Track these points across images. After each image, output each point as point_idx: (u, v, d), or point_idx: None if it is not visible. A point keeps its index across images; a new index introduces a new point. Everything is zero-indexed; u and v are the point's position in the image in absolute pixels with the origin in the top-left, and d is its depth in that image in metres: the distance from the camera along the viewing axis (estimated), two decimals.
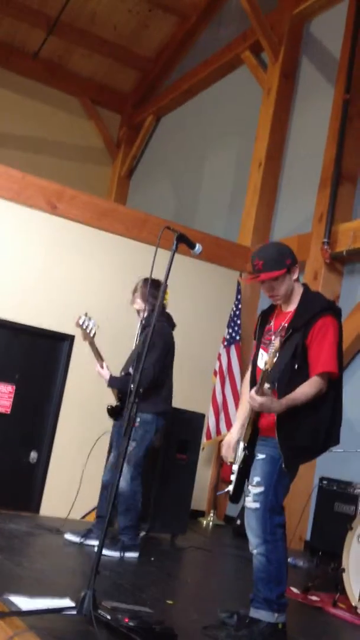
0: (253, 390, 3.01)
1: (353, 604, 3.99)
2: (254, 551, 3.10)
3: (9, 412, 6.24)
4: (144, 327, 4.90)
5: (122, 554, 4.59)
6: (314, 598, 4.23)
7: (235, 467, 3.25)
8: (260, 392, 2.98)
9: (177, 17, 10.46)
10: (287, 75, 8.09)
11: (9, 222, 6.37)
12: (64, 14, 9.92)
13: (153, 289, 4.66)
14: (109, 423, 5.94)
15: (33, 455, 6.32)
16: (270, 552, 3.06)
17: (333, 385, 3.15)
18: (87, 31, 10.70)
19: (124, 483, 4.65)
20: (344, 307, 6.47)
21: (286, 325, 3.20)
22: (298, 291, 3.28)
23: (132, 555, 4.64)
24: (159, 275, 3.42)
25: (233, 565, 5.19)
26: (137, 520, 4.74)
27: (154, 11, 10.31)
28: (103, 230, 6.78)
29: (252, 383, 3.29)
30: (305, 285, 3.34)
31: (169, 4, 10.17)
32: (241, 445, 3.22)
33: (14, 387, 6.28)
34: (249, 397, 3.04)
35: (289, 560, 5.19)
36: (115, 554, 4.57)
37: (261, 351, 3.31)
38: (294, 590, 4.29)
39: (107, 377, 4.81)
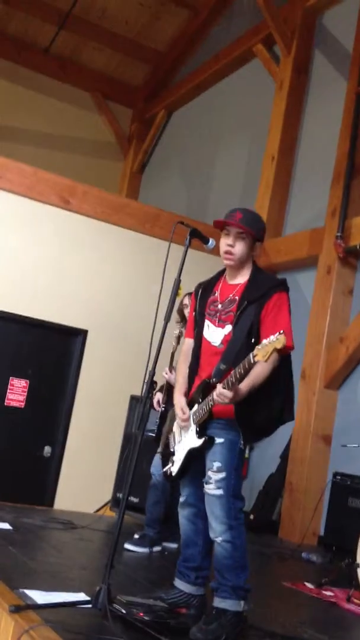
0: (220, 387, 2.90)
1: None
2: (219, 539, 3.04)
3: (22, 407, 6.28)
4: None
5: (151, 550, 4.60)
6: (328, 593, 4.22)
7: (178, 447, 3.19)
8: (228, 387, 2.86)
9: (189, 10, 10.42)
10: (300, 69, 8.04)
11: (21, 217, 6.39)
12: (75, 8, 9.92)
13: None
14: (121, 418, 5.96)
15: (47, 449, 6.35)
16: (235, 537, 3.02)
17: (285, 362, 3.05)
18: (98, 25, 10.67)
19: (157, 474, 4.67)
20: (358, 302, 6.50)
21: (237, 297, 3.12)
22: (249, 266, 3.21)
23: (157, 549, 4.66)
24: (172, 270, 3.40)
25: None
26: (164, 513, 4.72)
27: (166, 5, 10.28)
28: (115, 225, 6.79)
29: (195, 357, 3.21)
30: (255, 263, 3.28)
31: None
32: (193, 427, 3.12)
33: (28, 382, 6.31)
34: (216, 395, 2.92)
35: (302, 555, 5.21)
36: (145, 550, 4.58)
37: (207, 322, 3.19)
38: (308, 585, 4.29)
39: None
